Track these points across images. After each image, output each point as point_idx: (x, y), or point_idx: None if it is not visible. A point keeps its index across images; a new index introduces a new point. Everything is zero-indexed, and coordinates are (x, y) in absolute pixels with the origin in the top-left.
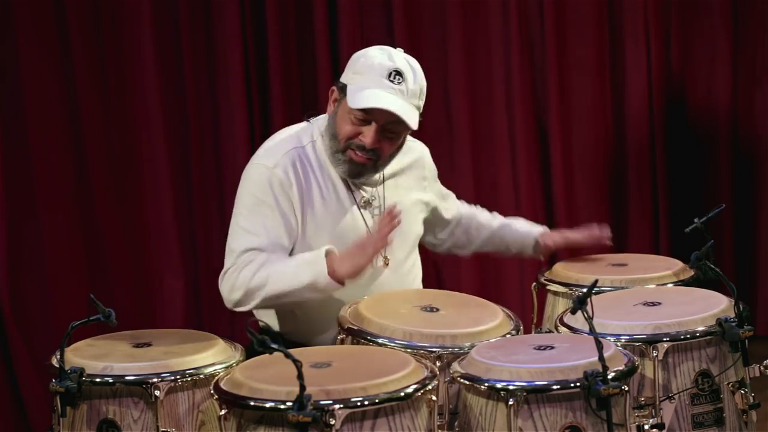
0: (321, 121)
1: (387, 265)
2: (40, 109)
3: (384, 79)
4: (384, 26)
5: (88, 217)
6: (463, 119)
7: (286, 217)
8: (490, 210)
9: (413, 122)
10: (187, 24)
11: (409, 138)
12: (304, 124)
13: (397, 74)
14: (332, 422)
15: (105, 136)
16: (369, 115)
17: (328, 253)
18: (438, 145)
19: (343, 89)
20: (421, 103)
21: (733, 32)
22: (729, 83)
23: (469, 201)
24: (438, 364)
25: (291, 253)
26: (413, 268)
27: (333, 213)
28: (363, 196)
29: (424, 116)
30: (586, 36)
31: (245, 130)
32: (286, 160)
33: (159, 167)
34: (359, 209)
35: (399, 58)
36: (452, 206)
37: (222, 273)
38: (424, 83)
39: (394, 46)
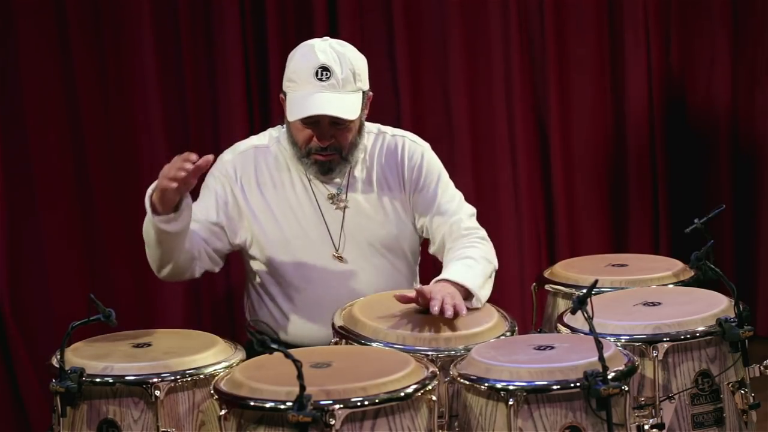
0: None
1: (340, 259)
2: (40, 109)
3: (312, 78)
4: (384, 27)
5: (88, 217)
6: (463, 119)
7: (218, 196)
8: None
9: (351, 113)
10: (187, 24)
11: (409, 137)
12: (269, 129)
13: (323, 70)
14: (332, 422)
15: (105, 136)
16: (311, 118)
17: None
18: (438, 145)
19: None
20: (361, 84)
21: (733, 32)
22: (729, 83)
23: (469, 201)
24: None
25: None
26: (371, 274)
27: (288, 206)
28: (328, 191)
29: (424, 115)
30: (586, 36)
31: (245, 131)
32: (242, 157)
33: (159, 167)
34: (317, 202)
35: (321, 51)
36: (432, 226)
37: None
38: (357, 63)
39: (392, 47)
